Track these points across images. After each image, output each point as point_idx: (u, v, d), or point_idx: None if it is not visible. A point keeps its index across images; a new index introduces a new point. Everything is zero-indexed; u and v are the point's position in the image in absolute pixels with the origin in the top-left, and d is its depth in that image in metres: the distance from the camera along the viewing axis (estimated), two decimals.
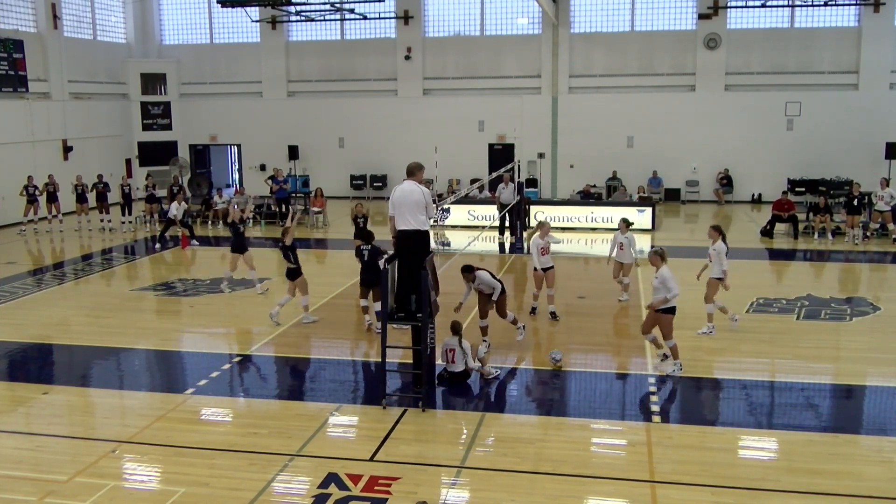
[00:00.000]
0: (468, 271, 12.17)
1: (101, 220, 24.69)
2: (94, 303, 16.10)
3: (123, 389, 11.41)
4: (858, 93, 28.67)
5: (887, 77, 28.36)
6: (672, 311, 11.24)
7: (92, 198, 24.99)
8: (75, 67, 29.74)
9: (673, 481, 8.14)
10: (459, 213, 24.71)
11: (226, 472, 8.49)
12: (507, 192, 21.87)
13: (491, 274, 12.37)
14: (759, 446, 9.24)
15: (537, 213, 23.52)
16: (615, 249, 15.36)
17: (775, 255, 20.84)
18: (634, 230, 23.15)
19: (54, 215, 24.42)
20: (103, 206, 24.84)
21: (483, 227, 22.58)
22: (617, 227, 15.63)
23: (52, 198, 24.32)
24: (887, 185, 22.17)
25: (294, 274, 14.08)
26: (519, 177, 22.42)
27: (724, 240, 13.28)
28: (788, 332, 13.47)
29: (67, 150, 28.68)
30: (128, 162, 31.95)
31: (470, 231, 23.05)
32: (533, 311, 14.62)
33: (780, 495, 7.89)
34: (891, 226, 21.76)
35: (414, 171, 10.29)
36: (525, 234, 21.65)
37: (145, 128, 32.83)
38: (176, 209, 22.24)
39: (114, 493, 8.10)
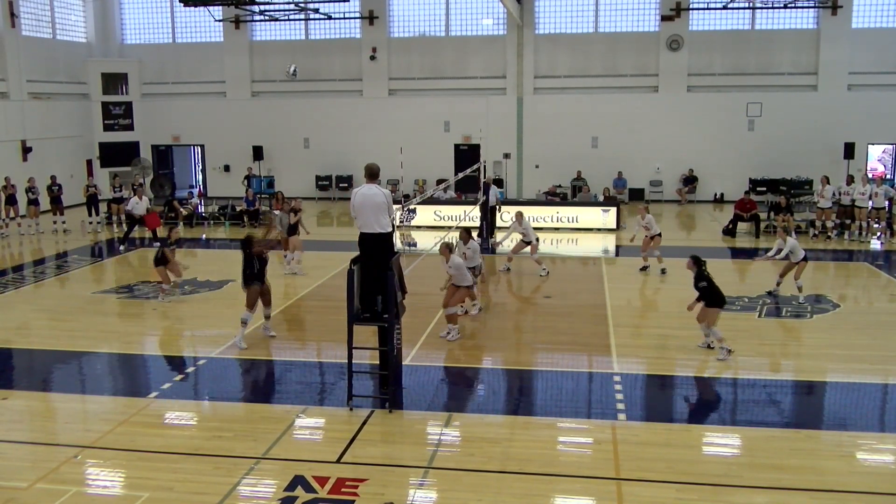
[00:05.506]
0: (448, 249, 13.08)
1: (55, 223, 24.32)
2: (54, 306, 15.83)
3: (85, 394, 11.21)
4: (817, 93, 29.18)
5: (845, 78, 28.89)
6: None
7: (46, 201, 24.60)
8: (34, 67, 29.23)
9: (638, 478, 8.21)
10: (426, 214, 24.72)
11: (190, 477, 8.39)
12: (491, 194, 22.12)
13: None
14: (722, 443, 9.35)
15: (503, 213, 23.59)
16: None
17: (737, 253, 21.10)
18: (599, 230, 23.33)
19: (12, 217, 23.99)
20: (57, 209, 24.48)
21: (450, 228, 22.60)
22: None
23: (11, 200, 23.89)
24: (828, 183, 22.61)
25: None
26: (485, 177, 22.50)
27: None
28: (750, 329, 13.66)
29: (26, 150, 28.19)
30: (89, 163, 31.46)
31: (436, 231, 23.03)
32: None
33: (742, 490, 7.99)
34: (829, 223, 22.22)
35: (375, 174, 10.28)
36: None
37: (106, 128, 32.33)
38: (136, 204, 21.99)
39: (76, 499, 7.97)
